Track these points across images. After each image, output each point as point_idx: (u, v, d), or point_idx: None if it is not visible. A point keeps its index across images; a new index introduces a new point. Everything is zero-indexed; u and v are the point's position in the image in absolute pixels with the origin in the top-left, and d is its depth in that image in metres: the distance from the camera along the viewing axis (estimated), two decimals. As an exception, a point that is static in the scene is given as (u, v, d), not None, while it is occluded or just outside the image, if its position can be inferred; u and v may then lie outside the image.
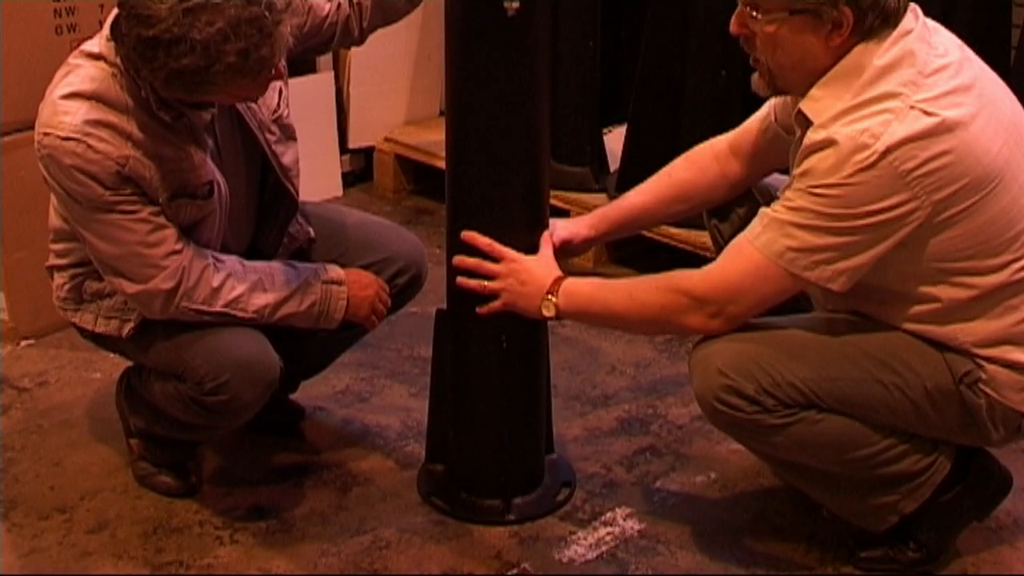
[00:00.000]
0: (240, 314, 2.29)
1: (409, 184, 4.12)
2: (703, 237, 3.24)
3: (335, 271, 2.41)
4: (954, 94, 2.03)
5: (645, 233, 3.33)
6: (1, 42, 2.94)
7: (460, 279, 2.34)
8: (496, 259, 2.32)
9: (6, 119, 2.97)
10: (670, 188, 2.46)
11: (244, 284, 2.30)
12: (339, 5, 2.46)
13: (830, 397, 2.14)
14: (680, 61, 3.34)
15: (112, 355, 2.58)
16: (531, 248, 2.36)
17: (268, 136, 2.39)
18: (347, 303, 2.39)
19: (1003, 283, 2.10)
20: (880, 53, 2.03)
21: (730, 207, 2.45)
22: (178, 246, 2.24)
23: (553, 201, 2.71)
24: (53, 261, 2.42)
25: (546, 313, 2.29)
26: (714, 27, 3.16)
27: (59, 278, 2.42)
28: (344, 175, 4.09)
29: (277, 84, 2.36)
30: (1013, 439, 2.25)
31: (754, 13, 2.07)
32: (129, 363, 2.53)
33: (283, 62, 2.21)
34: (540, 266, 2.32)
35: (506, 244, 2.33)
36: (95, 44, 2.22)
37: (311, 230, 2.55)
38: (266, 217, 2.48)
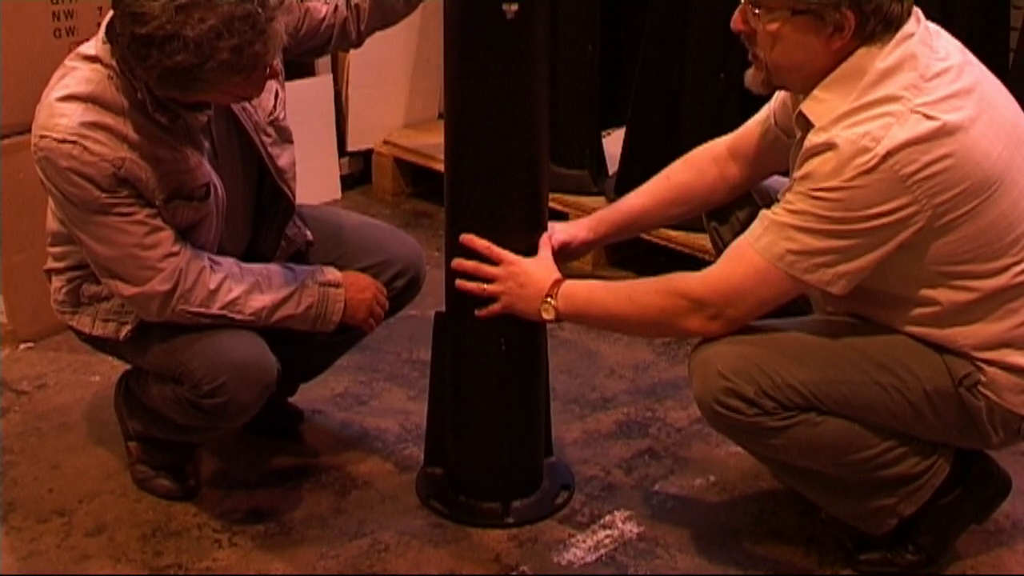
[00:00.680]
0: (237, 316, 2.29)
1: (408, 187, 4.12)
2: (702, 240, 3.24)
3: (333, 273, 2.41)
4: (955, 98, 2.03)
5: (644, 236, 3.33)
6: (0, 45, 2.94)
7: (459, 282, 2.34)
8: (495, 262, 2.32)
9: (5, 122, 2.97)
10: (669, 190, 2.46)
11: (241, 286, 2.30)
12: (336, 7, 2.46)
13: (829, 399, 2.14)
14: (679, 64, 3.34)
15: (110, 358, 2.58)
16: (530, 251, 2.36)
17: (264, 138, 2.39)
18: (344, 306, 2.39)
19: (1003, 286, 2.10)
20: (882, 56, 2.03)
21: (729, 210, 2.45)
22: (175, 248, 2.23)
23: (552, 204, 2.71)
24: (51, 264, 2.42)
25: (545, 316, 2.29)
26: (713, 30, 3.17)
27: (57, 281, 2.41)
28: (343, 178, 4.09)
29: (273, 86, 2.36)
30: (1013, 442, 2.25)
31: (756, 10, 2.07)
32: (127, 366, 2.53)
33: (278, 60, 2.21)
34: (539, 268, 2.32)
35: (505, 247, 2.33)
36: (91, 47, 2.22)
37: (309, 233, 2.55)
38: (263, 219, 2.48)
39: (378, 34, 2.58)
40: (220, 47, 2.03)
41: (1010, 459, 2.45)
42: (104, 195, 2.16)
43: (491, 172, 2.32)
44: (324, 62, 3.91)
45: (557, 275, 2.31)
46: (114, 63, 2.16)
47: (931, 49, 2.06)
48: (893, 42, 2.04)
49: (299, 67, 3.73)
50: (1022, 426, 2.19)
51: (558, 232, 2.44)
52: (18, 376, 3.00)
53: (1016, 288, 2.11)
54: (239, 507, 2.54)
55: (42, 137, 2.16)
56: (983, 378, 2.13)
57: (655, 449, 2.75)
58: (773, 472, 2.51)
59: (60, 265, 2.39)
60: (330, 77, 3.98)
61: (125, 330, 2.35)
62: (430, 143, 3.95)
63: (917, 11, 2.11)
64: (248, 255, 2.43)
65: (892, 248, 2.04)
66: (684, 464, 2.70)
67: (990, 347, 2.13)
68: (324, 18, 2.45)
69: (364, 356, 3.01)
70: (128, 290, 2.25)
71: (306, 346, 2.49)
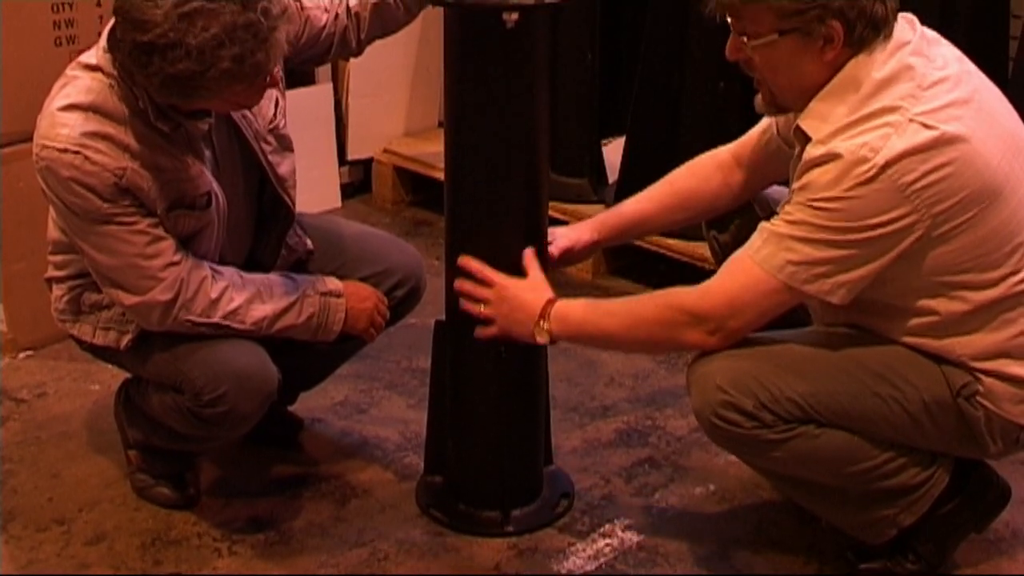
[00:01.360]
0: (238, 326, 2.29)
1: (408, 196, 4.12)
2: (701, 248, 3.24)
3: (333, 283, 2.41)
4: (953, 107, 2.03)
5: (643, 244, 3.34)
6: (1, 54, 2.95)
7: (461, 302, 2.34)
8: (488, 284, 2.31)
9: (5, 130, 2.97)
10: (673, 196, 2.46)
11: (242, 296, 2.30)
12: (336, 16, 2.46)
13: (828, 411, 2.13)
14: (679, 73, 3.34)
15: (110, 366, 2.58)
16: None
17: (264, 147, 2.39)
18: (345, 315, 2.39)
19: (1001, 296, 2.10)
20: (878, 66, 2.04)
21: (729, 218, 2.45)
22: (176, 258, 2.23)
23: (552, 212, 2.71)
24: (52, 273, 2.42)
25: (540, 339, 2.27)
26: (712, 39, 3.16)
27: (57, 290, 2.42)
28: (343, 187, 4.09)
29: (273, 94, 2.37)
30: (1012, 451, 2.25)
31: (744, 39, 2.08)
32: (127, 374, 2.53)
33: (279, 69, 2.21)
34: (530, 290, 2.29)
35: (504, 256, 2.33)
36: (92, 56, 2.22)
37: (309, 242, 2.55)
38: (264, 228, 2.48)
39: (378, 42, 2.58)
40: (222, 56, 2.04)
41: (1009, 468, 2.45)
42: (105, 205, 2.17)
43: (491, 181, 2.32)
44: (324, 71, 3.91)
45: (549, 295, 2.28)
46: (115, 72, 2.17)
47: (928, 58, 2.07)
48: (887, 51, 2.04)
49: (299, 76, 3.73)
50: (1021, 435, 2.19)
51: (560, 238, 2.44)
52: (18, 385, 3.00)
53: (1013, 298, 2.11)
54: (239, 516, 2.54)
55: (43, 147, 2.16)
56: (981, 388, 2.13)
57: (655, 458, 2.75)
58: (772, 483, 2.51)
59: (61, 274, 2.39)
60: (330, 86, 3.98)
61: (126, 339, 2.35)
62: (430, 152, 3.95)
63: (913, 19, 2.11)
64: (249, 264, 2.43)
65: (892, 258, 2.04)
66: (684, 473, 2.70)
67: (987, 357, 2.12)
68: (324, 26, 2.45)
69: (364, 365, 3.01)
70: (129, 299, 2.25)
71: (306, 355, 2.49)
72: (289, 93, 2.49)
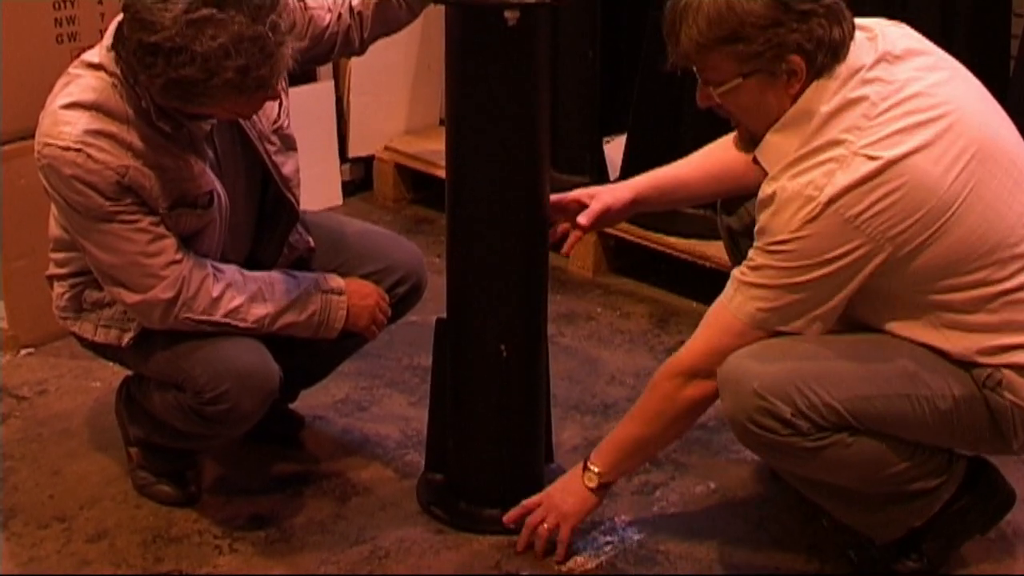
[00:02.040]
0: (240, 324, 2.29)
1: (409, 193, 4.12)
2: (702, 247, 3.26)
3: (335, 281, 2.41)
4: (904, 132, 2.01)
5: (645, 242, 3.34)
6: (1, 51, 2.95)
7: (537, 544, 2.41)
8: (533, 507, 2.41)
9: (7, 128, 2.97)
10: (710, 166, 2.44)
11: (244, 294, 2.30)
12: (340, 16, 2.46)
13: (865, 416, 2.11)
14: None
15: (112, 364, 2.58)
16: (530, 255, 2.37)
17: (268, 146, 2.39)
18: (347, 313, 2.39)
19: (990, 295, 2.09)
20: (827, 97, 2.04)
21: (738, 202, 2.44)
22: (178, 256, 2.24)
23: (553, 210, 2.71)
24: (53, 270, 2.42)
25: (594, 488, 2.35)
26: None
27: (59, 287, 2.42)
28: (344, 184, 4.09)
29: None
30: None
31: (711, 88, 2.10)
32: (128, 372, 2.53)
33: (282, 81, 2.21)
34: (563, 481, 2.40)
35: (505, 252, 2.34)
36: (95, 54, 2.22)
37: (311, 240, 2.55)
38: (266, 227, 2.48)
39: (380, 41, 2.58)
40: (227, 66, 2.03)
41: (1013, 467, 2.45)
42: (108, 203, 2.17)
43: (492, 178, 2.32)
44: (326, 69, 3.90)
45: (578, 469, 2.38)
46: (118, 71, 2.17)
47: (883, 82, 2.05)
48: (840, 80, 2.04)
49: (300, 73, 3.71)
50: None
51: (600, 195, 2.42)
52: (19, 382, 3.00)
53: (1005, 295, 2.10)
54: (240, 513, 2.54)
55: (46, 145, 2.17)
56: (1003, 379, 2.12)
57: (655, 456, 2.75)
58: (786, 479, 2.50)
59: (62, 271, 2.39)
60: (332, 83, 3.98)
61: (127, 337, 2.35)
62: (431, 149, 3.95)
63: (874, 30, 2.10)
64: (250, 262, 2.43)
65: (857, 284, 2.05)
66: (685, 470, 2.70)
67: (998, 352, 2.12)
68: (328, 26, 2.45)
69: (365, 362, 3.01)
70: (131, 297, 2.25)
71: (308, 353, 2.49)
72: (290, 91, 2.49)
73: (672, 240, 3.34)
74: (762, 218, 2.07)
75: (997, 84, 2.19)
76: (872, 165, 1.99)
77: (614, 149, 3.68)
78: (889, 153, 1.99)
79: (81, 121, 2.15)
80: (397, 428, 2.83)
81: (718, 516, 2.56)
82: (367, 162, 4.15)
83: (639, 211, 2.52)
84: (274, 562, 2.41)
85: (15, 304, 3.12)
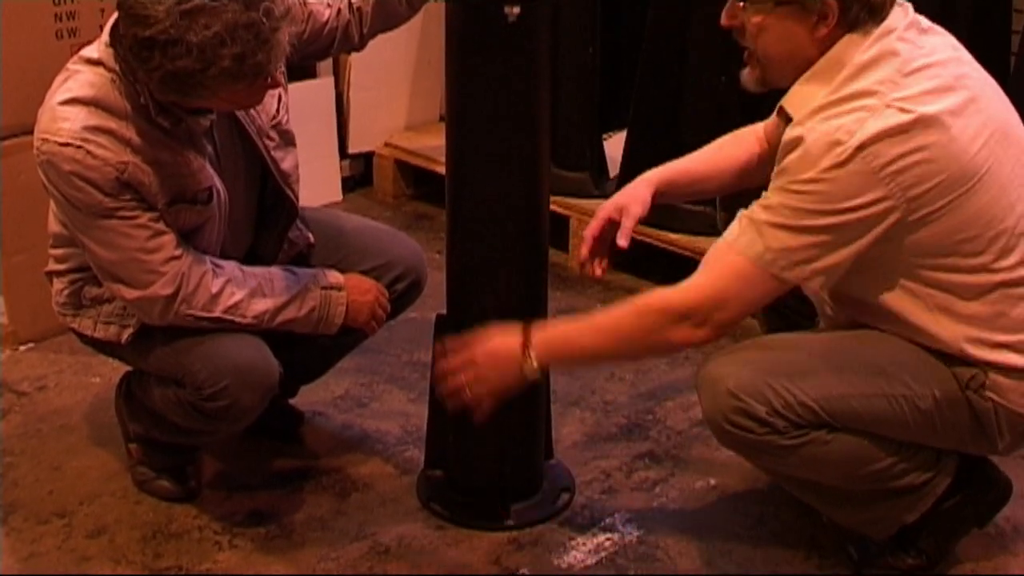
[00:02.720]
0: (239, 320, 2.29)
1: (409, 189, 4.12)
2: (703, 243, 3.25)
3: (334, 276, 2.41)
4: (934, 93, 2.01)
5: (645, 238, 3.34)
6: (1, 46, 2.95)
7: (443, 394, 2.25)
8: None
9: (6, 123, 2.97)
10: (722, 160, 2.43)
11: (243, 290, 2.30)
12: (339, 11, 2.46)
13: (842, 415, 2.12)
14: (679, 67, 3.34)
15: (111, 360, 2.58)
16: (530, 251, 2.36)
17: (267, 142, 2.39)
18: (346, 308, 2.39)
19: (990, 284, 2.08)
20: (862, 50, 2.03)
21: (738, 200, 2.43)
22: (177, 252, 2.24)
23: (553, 206, 2.71)
24: (52, 266, 2.42)
25: (531, 376, 2.16)
26: (713, 33, 3.15)
27: (58, 283, 2.42)
28: (344, 180, 4.09)
29: (276, 90, 2.36)
30: (1018, 445, 2.23)
31: (741, 3, 2.08)
32: (128, 368, 2.53)
33: (281, 71, 2.21)
34: (499, 333, 2.19)
35: (504, 248, 2.34)
36: (94, 50, 2.22)
37: (310, 235, 2.55)
38: (265, 223, 2.48)
39: (380, 37, 2.58)
40: (223, 54, 2.03)
41: (1011, 463, 2.45)
42: (107, 199, 2.17)
43: (492, 174, 2.32)
44: (325, 64, 3.91)
45: (521, 328, 2.17)
46: (117, 67, 2.17)
47: (914, 45, 2.06)
48: (875, 36, 2.04)
49: (300, 69, 3.72)
50: (1026, 426, 2.19)
51: (630, 208, 2.33)
52: (19, 377, 3.00)
53: (1004, 287, 2.09)
54: (239, 509, 2.54)
55: (45, 141, 2.16)
56: (987, 380, 2.12)
57: (655, 452, 2.75)
58: (775, 480, 2.51)
59: (62, 267, 2.39)
60: (331, 79, 3.98)
61: (127, 333, 2.35)
62: (431, 145, 3.95)
63: (907, 6, 2.11)
64: (250, 258, 2.43)
65: (868, 243, 2.02)
66: (684, 467, 2.70)
67: (987, 347, 2.11)
68: (327, 22, 2.45)
69: (365, 358, 3.01)
70: (130, 294, 2.25)
71: (307, 349, 2.49)
72: (290, 86, 2.49)
73: (672, 236, 3.33)
74: (787, 160, 2.03)
75: (998, 80, 2.19)
76: (905, 117, 1.98)
77: (614, 145, 3.68)
78: (922, 109, 1.98)
79: (80, 117, 2.15)
80: (397, 424, 2.84)
81: (718, 512, 2.56)
82: (367, 158, 4.15)
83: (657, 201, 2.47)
84: (274, 558, 2.41)
85: (15, 300, 3.12)
